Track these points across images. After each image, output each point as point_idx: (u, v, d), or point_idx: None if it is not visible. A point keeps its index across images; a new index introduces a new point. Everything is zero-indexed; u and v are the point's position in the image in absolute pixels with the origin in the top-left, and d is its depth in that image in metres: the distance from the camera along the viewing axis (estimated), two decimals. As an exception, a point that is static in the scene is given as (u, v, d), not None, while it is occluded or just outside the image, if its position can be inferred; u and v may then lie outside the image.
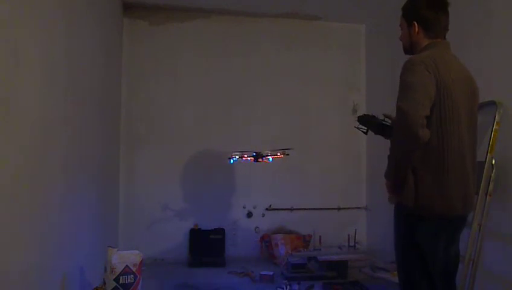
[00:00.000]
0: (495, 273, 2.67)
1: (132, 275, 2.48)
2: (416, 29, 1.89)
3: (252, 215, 4.43)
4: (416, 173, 1.76)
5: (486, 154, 2.61)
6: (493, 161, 2.61)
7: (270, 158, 3.65)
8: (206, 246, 4.17)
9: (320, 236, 4.14)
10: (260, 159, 3.66)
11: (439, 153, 1.73)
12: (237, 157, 3.70)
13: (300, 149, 4.45)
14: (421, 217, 1.80)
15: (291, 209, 4.49)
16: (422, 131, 1.63)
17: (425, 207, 1.76)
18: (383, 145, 1.93)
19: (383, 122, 2.02)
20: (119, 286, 2.43)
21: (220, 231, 4.23)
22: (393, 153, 1.78)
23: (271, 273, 3.63)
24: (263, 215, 4.46)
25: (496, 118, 2.60)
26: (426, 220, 1.80)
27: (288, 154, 3.67)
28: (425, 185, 1.75)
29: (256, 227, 4.43)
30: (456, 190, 1.76)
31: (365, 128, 2.17)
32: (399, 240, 1.95)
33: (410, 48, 1.95)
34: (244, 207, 4.43)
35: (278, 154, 3.66)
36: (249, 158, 3.69)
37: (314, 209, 4.48)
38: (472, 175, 1.83)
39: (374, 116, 2.11)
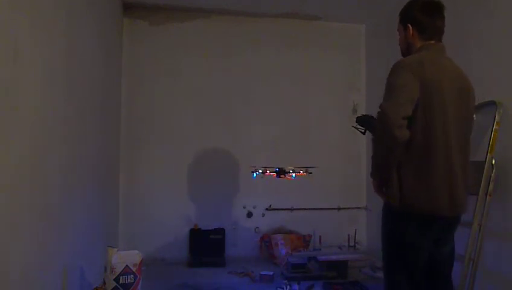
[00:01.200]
0: (495, 273, 2.66)
1: (132, 275, 2.48)
2: (411, 31, 1.92)
3: (252, 215, 4.43)
4: (401, 172, 1.77)
5: (486, 154, 2.61)
6: (493, 161, 2.61)
7: (293, 175, 3.64)
8: (206, 246, 4.17)
9: (320, 236, 4.14)
10: (282, 175, 3.66)
11: (424, 152, 1.74)
12: (260, 172, 3.70)
13: (300, 149, 4.46)
14: (407, 216, 1.79)
15: (291, 209, 4.49)
16: (400, 131, 1.65)
17: (410, 206, 1.76)
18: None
19: None
20: (119, 286, 2.43)
21: (220, 231, 4.23)
22: (375, 152, 1.81)
23: (271, 273, 3.63)
24: (263, 215, 4.46)
25: (496, 118, 2.60)
26: (412, 218, 1.79)
27: (311, 173, 3.64)
28: (410, 184, 1.75)
29: (256, 227, 4.43)
30: (441, 190, 1.75)
31: (363, 128, 2.19)
32: (386, 240, 1.93)
33: (407, 52, 1.97)
34: (244, 207, 4.43)
35: (301, 172, 3.64)
36: (271, 173, 3.69)
37: (314, 209, 4.48)
38: (461, 176, 1.80)
39: (373, 117, 2.13)
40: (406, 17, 1.96)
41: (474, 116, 2.83)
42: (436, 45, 1.89)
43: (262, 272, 3.65)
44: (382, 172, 1.83)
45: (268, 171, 3.71)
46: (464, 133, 1.86)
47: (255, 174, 3.74)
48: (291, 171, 3.65)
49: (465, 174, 1.84)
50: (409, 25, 1.92)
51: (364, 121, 2.18)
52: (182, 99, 4.37)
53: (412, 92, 1.70)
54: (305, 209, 4.48)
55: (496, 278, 2.66)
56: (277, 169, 3.69)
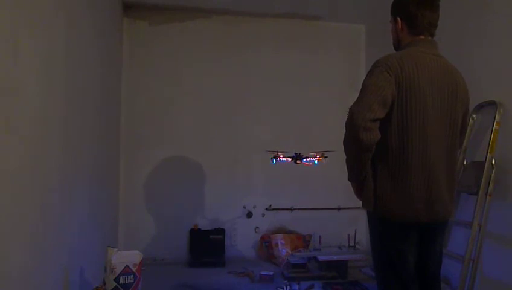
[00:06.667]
0: (494, 274, 2.66)
1: (132, 275, 2.48)
2: (400, 25, 1.85)
3: (252, 215, 4.43)
4: (376, 175, 1.73)
5: (486, 154, 2.62)
6: (493, 161, 2.61)
7: (316, 161, 3.47)
8: (206, 246, 4.17)
9: (320, 236, 4.14)
10: (299, 161, 3.53)
11: (399, 155, 1.68)
12: (280, 157, 3.54)
13: (300, 149, 4.44)
14: (384, 221, 1.75)
15: (291, 209, 4.49)
16: (367, 134, 1.61)
17: (384, 211, 1.71)
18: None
19: None
20: (119, 286, 2.43)
21: (220, 231, 4.24)
22: (346, 155, 1.77)
23: (271, 273, 3.63)
24: (263, 215, 4.46)
25: (496, 118, 2.61)
26: (389, 224, 1.74)
27: (326, 157, 3.51)
28: (384, 189, 1.70)
29: (256, 227, 4.43)
30: (417, 195, 1.67)
31: None
32: (371, 242, 1.91)
33: (398, 45, 1.92)
34: (244, 207, 4.43)
35: (318, 156, 3.52)
36: (286, 158, 3.55)
37: (314, 209, 4.48)
38: (445, 179, 1.73)
39: None
40: (395, 9, 1.88)
41: (475, 116, 2.86)
42: (425, 41, 1.80)
43: (262, 272, 3.65)
44: (355, 175, 1.79)
45: (282, 156, 3.51)
46: (450, 135, 1.75)
47: (274, 161, 3.56)
48: (310, 157, 3.46)
49: (451, 177, 1.76)
50: (399, 18, 1.85)
51: None
52: (182, 99, 4.37)
53: (385, 92, 1.63)
54: (305, 209, 4.48)
55: (495, 278, 2.66)
56: (294, 154, 3.51)
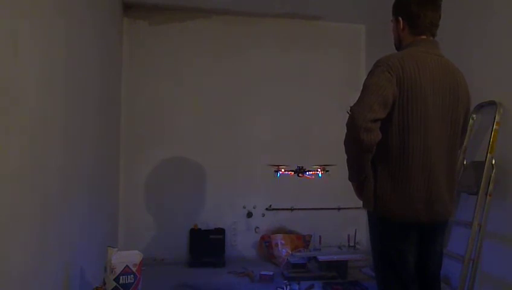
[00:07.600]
0: (494, 274, 2.66)
1: (132, 275, 2.48)
2: (401, 25, 1.84)
3: (252, 215, 4.43)
4: (377, 175, 1.72)
5: (486, 154, 2.61)
6: (493, 161, 2.61)
7: (320, 174, 3.46)
8: (206, 246, 4.17)
9: (320, 236, 4.14)
10: (301, 174, 3.53)
11: (400, 155, 1.67)
12: (282, 171, 3.55)
13: (300, 149, 4.46)
14: (384, 221, 1.75)
15: (291, 209, 4.49)
16: (367, 135, 1.60)
17: (385, 211, 1.71)
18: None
19: None
20: (119, 286, 2.43)
21: (220, 231, 4.24)
22: (346, 155, 1.77)
23: (271, 273, 3.63)
24: (263, 215, 4.46)
25: (496, 118, 2.61)
26: (389, 224, 1.74)
27: (328, 171, 3.51)
28: (384, 189, 1.70)
29: (256, 227, 4.43)
30: (417, 195, 1.67)
31: None
32: (371, 242, 1.91)
33: (399, 45, 1.91)
34: (244, 207, 4.43)
35: (319, 169, 3.51)
36: (288, 172, 3.56)
37: (314, 209, 4.48)
38: (445, 180, 1.73)
39: None
40: (397, 8, 1.88)
41: (475, 116, 2.86)
42: (426, 41, 1.79)
43: (262, 272, 3.65)
44: (356, 175, 1.79)
45: (283, 170, 3.52)
46: (451, 135, 1.75)
47: (278, 174, 3.58)
48: (313, 170, 3.47)
49: (451, 177, 1.76)
50: (400, 18, 1.84)
51: None
52: (182, 99, 4.37)
53: (386, 92, 1.62)
54: (305, 209, 4.48)
55: (495, 278, 2.66)
56: (297, 167, 3.52)
